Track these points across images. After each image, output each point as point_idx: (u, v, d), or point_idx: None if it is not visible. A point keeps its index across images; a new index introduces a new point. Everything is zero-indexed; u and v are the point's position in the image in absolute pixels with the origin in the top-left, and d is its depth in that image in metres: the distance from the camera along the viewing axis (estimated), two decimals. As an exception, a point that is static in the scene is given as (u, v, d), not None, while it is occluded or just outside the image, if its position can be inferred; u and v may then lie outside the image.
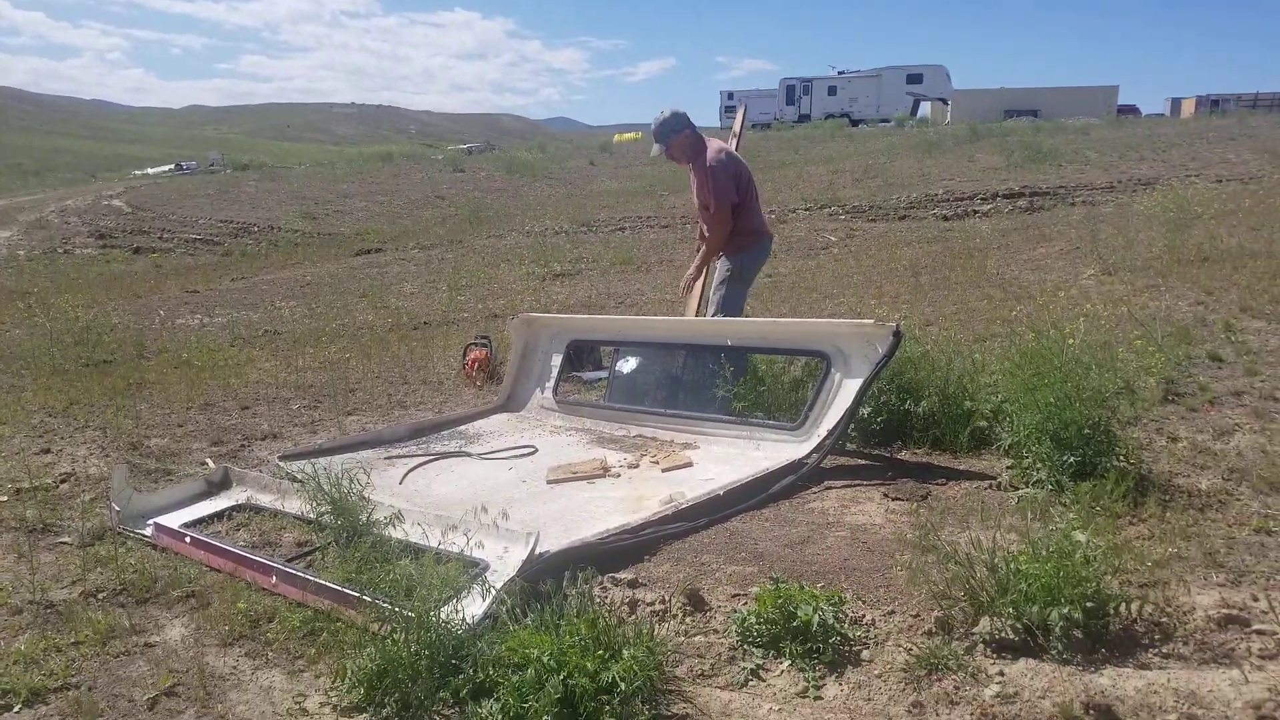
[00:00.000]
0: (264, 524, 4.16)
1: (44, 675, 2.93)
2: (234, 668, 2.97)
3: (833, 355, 4.60)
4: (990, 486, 3.97)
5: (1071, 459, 3.73)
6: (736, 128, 6.77)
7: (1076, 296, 7.10)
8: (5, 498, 4.64)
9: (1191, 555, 3.18)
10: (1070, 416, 3.77)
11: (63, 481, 4.88)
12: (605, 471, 4.59)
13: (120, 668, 3.00)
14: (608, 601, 3.15)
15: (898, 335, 4.27)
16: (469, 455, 5.05)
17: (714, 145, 5.64)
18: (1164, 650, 2.66)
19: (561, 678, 2.47)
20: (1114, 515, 3.39)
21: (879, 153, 27.25)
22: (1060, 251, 10.21)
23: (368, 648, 2.76)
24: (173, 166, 48.59)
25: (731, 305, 5.56)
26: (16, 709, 2.78)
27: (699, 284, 5.82)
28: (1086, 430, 3.77)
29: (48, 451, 5.43)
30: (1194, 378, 5.23)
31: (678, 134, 5.60)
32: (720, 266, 5.68)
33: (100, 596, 3.50)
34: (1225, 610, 2.79)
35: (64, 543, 4.07)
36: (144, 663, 3.02)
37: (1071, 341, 4.07)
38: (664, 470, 4.57)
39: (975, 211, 14.80)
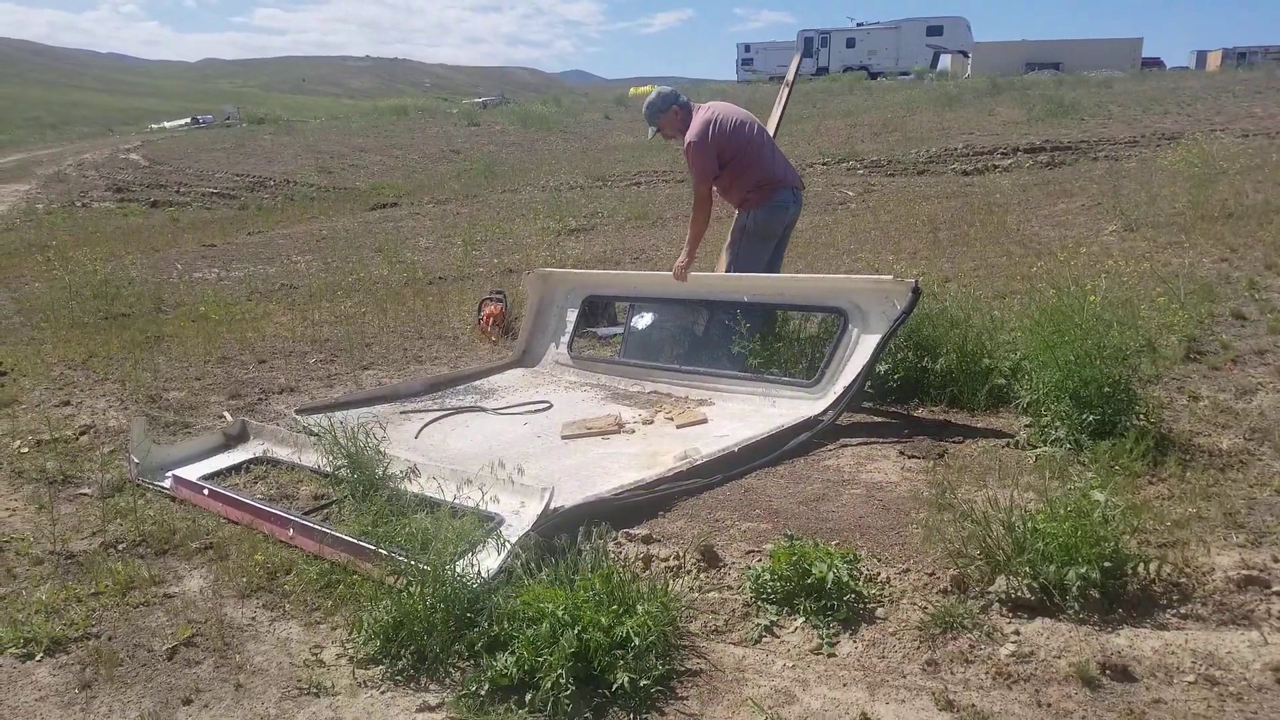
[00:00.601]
0: (281, 477, 4.19)
1: (65, 625, 2.98)
2: (252, 619, 3.00)
3: (850, 311, 4.56)
4: (1008, 445, 3.94)
5: (1091, 417, 3.69)
6: (790, 77, 6.69)
7: (1098, 253, 6.97)
8: (26, 449, 4.69)
9: (1211, 515, 3.14)
10: (1090, 374, 3.72)
11: (82, 434, 4.92)
12: (620, 428, 4.59)
13: (140, 618, 3.04)
14: (622, 557, 3.16)
15: (916, 291, 4.22)
16: (484, 410, 5.05)
17: (699, 117, 5.39)
18: (1182, 611, 2.65)
19: (576, 632, 2.48)
20: (1133, 474, 3.35)
21: (898, 106, 26.80)
22: (1081, 207, 10.02)
23: (384, 600, 2.78)
24: (189, 120, 48.38)
25: (746, 264, 5.37)
26: (38, 657, 2.83)
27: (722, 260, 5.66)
28: (1106, 388, 3.72)
29: (67, 404, 5.47)
30: (1216, 336, 5.14)
31: (664, 112, 5.50)
32: (734, 224, 5.55)
33: (120, 547, 3.55)
34: (1245, 571, 2.77)
35: (84, 494, 4.12)
36: (163, 613, 3.06)
37: (1093, 298, 4.00)
38: (679, 427, 4.57)
39: (995, 166, 14.54)
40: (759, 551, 3.13)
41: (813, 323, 5.43)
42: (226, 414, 5.19)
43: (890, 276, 4.38)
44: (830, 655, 2.60)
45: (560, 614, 2.54)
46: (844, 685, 2.46)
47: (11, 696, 2.65)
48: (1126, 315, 4.07)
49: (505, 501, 3.37)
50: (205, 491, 3.93)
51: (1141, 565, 2.73)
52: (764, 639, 2.71)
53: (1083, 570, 2.62)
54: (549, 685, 2.40)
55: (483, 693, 2.46)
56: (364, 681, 2.63)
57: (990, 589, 2.75)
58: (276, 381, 5.85)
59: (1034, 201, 10.74)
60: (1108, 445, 3.43)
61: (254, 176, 22.66)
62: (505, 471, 3.43)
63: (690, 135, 5.35)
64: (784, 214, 5.45)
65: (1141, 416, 3.78)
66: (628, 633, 2.50)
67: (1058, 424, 3.80)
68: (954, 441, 4.06)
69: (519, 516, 3.28)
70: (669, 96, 5.55)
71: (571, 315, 5.97)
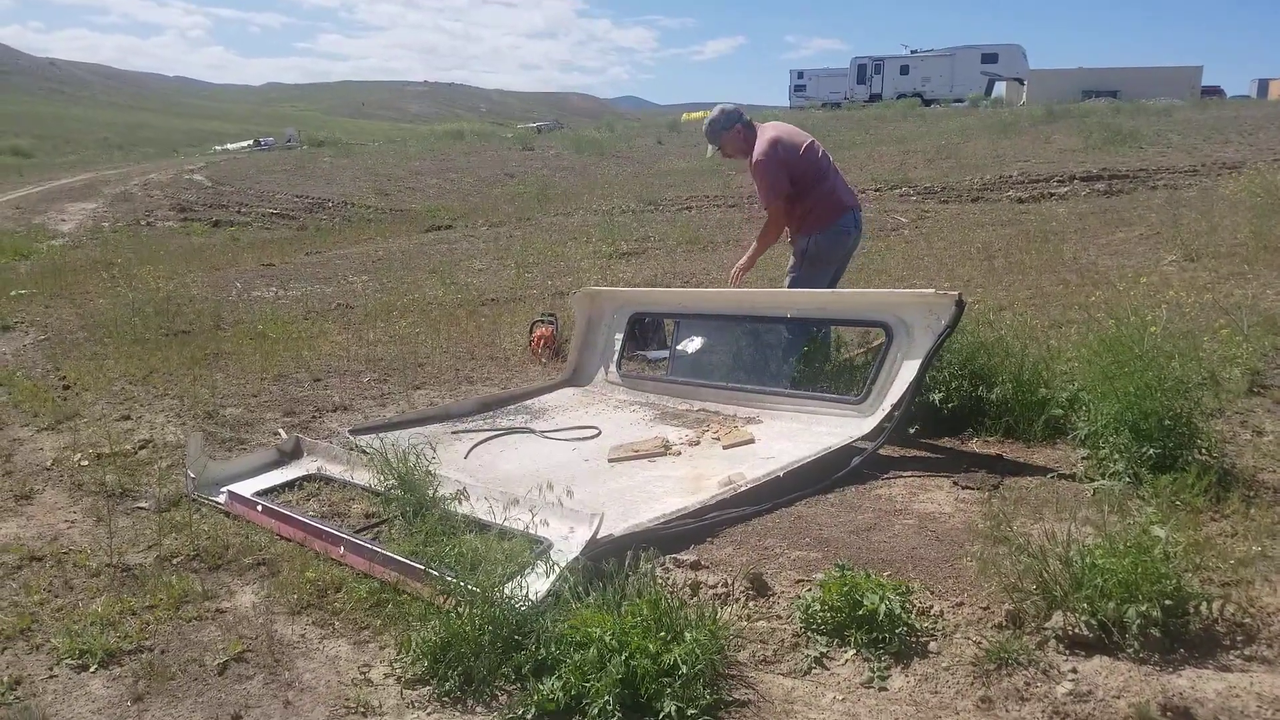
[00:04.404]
0: (333, 495, 4.25)
1: (119, 637, 3.04)
2: (302, 636, 3.04)
3: (894, 325, 4.50)
4: (1065, 477, 3.85)
5: (1151, 450, 3.58)
6: None
7: (1157, 283, 6.81)
8: (87, 462, 4.83)
9: (1277, 555, 3.02)
10: (1151, 406, 3.62)
11: (141, 448, 5.05)
12: (666, 450, 4.58)
13: (192, 632, 3.10)
14: (669, 583, 3.14)
15: (960, 304, 4.15)
16: (533, 432, 5.08)
17: (766, 135, 5.42)
18: (1246, 652, 2.55)
19: (624, 658, 2.47)
20: (1195, 510, 3.25)
21: (952, 133, 26.54)
22: (1140, 236, 9.81)
23: (432, 620, 2.80)
24: (251, 142, 49.81)
25: (803, 287, 5.38)
26: (93, 669, 2.89)
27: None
28: (1167, 421, 3.62)
29: (128, 418, 5.63)
30: (1283, 369, 4.99)
31: (728, 130, 5.52)
32: (795, 248, 5.55)
33: (174, 561, 3.62)
34: (1315, 614, 2.66)
35: (141, 508, 4.22)
36: (215, 628, 3.11)
37: (1153, 329, 3.91)
38: (725, 448, 4.54)
39: (1051, 194, 14.30)
40: (809, 581, 3.09)
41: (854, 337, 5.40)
42: (281, 431, 5.29)
43: (933, 290, 4.32)
44: (882, 689, 2.55)
45: (608, 639, 2.53)
46: (895, 720, 2.41)
47: (66, 708, 2.71)
48: (1188, 347, 3.96)
49: (554, 525, 3.38)
50: (259, 508, 4.00)
51: (1204, 604, 2.64)
52: (814, 670, 2.66)
53: (1143, 608, 2.53)
54: (595, 712, 2.39)
55: (529, 717, 2.46)
56: (411, 702, 2.64)
57: (1047, 625, 2.67)
58: (331, 400, 5.96)
59: (1091, 230, 10.54)
60: (1169, 480, 3.34)
61: (313, 198, 23.20)
62: (554, 494, 3.44)
63: (758, 154, 5.37)
64: (846, 239, 5.46)
65: (1204, 451, 3.67)
66: (675, 660, 2.48)
67: (1116, 457, 3.70)
68: (1009, 473, 3.97)
69: (568, 541, 3.28)
70: (732, 115, 5.55)
71: (619, 333, 6.00)
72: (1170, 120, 25.83)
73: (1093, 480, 3.72)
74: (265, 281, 11.47)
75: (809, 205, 5.38)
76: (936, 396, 4.54)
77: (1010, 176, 16.16)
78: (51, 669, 2.90)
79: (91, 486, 4.48)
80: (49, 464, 4.87)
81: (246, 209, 21.46)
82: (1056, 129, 24.87)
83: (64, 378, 6.66)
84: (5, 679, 2.84)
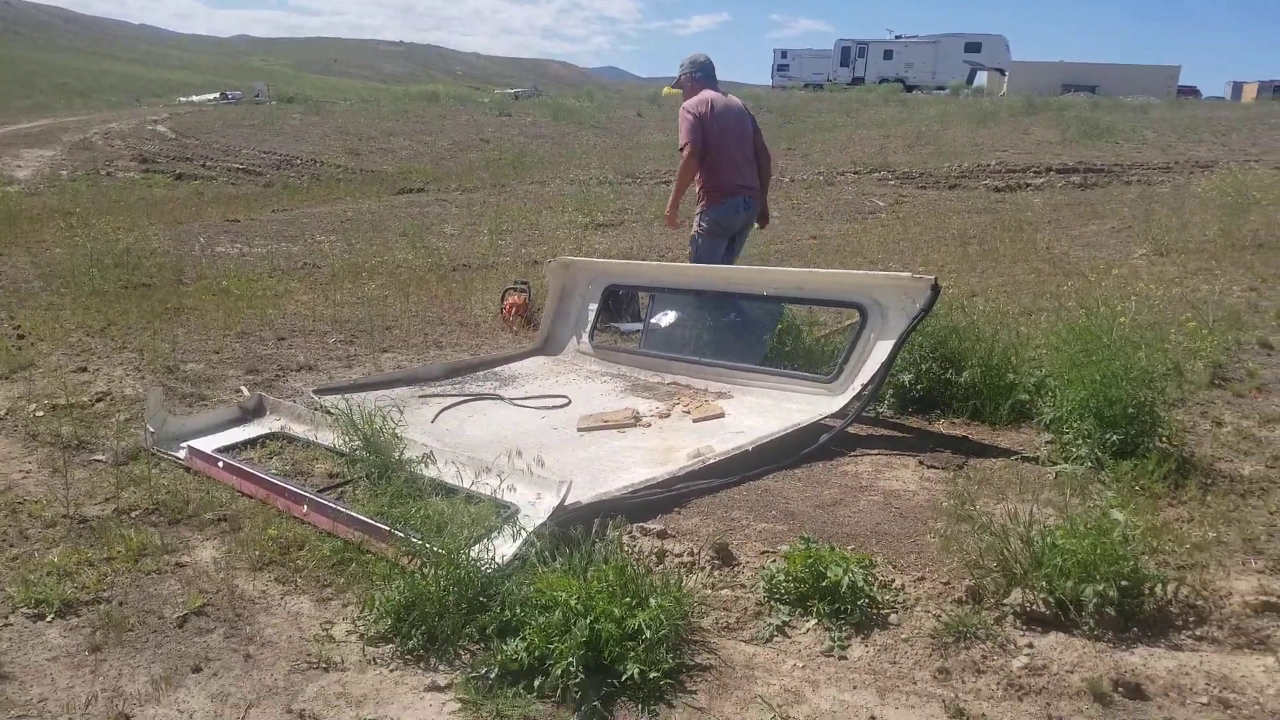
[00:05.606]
0: (296, 454, 4.20)
1: (76, 588, 2.99)
2: (263, 592, 3.01)
3: (869, 307, 4.52)
4: (1029, 460, 3.91)
5: (1114, 437, 3.65)
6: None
7: (1127, 275, 6.93)
8: (42, 413, 4.71)
9: (1231, 540, 3.11)
10: (1116, 394, 3.68)
11: (98, 400, 4.94)
12: (636, 421, 4.58)
13: (151, 585, 3.05)
14: (636, 550, 3.15)
15: (935, 289, 4.18)
16: (501, 399, 5.05)
17: (703, 94, 5.79)
18: (1198, 633, 2.63)
19: (588, 621, 2.48)
20: (1154, 496, 3.32)
21: (932, 120, 26.68)
22: (1112, 230, 9.96)
23: (396, 580, 2.78)
24: (218, 95, 48.56)
25: (704, 258, 5.84)
26: (49, 618, 2.84)
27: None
28: (1131, 409, 3.69)
29: (84, 370, 5.50)
30: (1243, 363, 5.11)
31: (689, 74, 5.94)
32: (694, 219, 5.92)
33: (133, 515, 3.56)
34: (1263, 597, 2.73)
35: (98, 460, 4.13)
36: (175, 581, 3.07)
37: (1123, 320, 3.97)
38: (695, 420, 4.55)
39: (1027, 184, 14.45)
40: (773, 552, 3.11)
41: (827, 316, 5.45)
42: (244, 388, 5.20)
43: (909, 273, 4.35)
44: (841, 658, 2.58)
45: (573, 603, 2.54)
46: (854, 688, 2.45)
47: (22, 655, 2.66)
48: (1155, 338, 4.03)
49: (522, 491, 3.37)
50: (220, 464, 3.94)
51: (1159, 586, 2.70)
52: (775, 638, 2.69)
53: (1100, 588, 2.59)
54: (559, 672, 2.40)
55: (492, 676, 2.46)
56: (374, 659, 2.63)
57: (1005, 601, 2.72)
58: (295, 359, 5.87)
59: (1065, 221, 10.68)
60: (1130, 466, 3.40)
61: (281, 155, 22.77)
62: (523, 461, 3.42)
63: (686, 104, 5.79)
64: (736, 216, 5.87)
65: (1165, 439, 3.76)
66: (640, 625, 2.49)
67: (1080, 442, 3.76)
68: (974, 454, 4.03)
69: (535, 507, 3.27)
70: (700, 65, 6.02)
71: (593, 304, 5.97)
72: (1146, 117, 26.21)
73: (1056, 464, 3.78)
74: (230, 238, 11.26)
75: (708, 179, 5.78)
76: (906, 378, 4.58)
77: (988, 165, 16.31)
78: (7, 617, 2.85)
79: (47, 437, 4.38)
80: (2, 414, 4.75)
81: (211, 163, 20.98)
82: (1035, 121, 25.10)
83: (18, 327, 6.49)
84: (-43, 626, 2.78)
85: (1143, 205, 11.02)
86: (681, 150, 5.79)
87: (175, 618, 2.85)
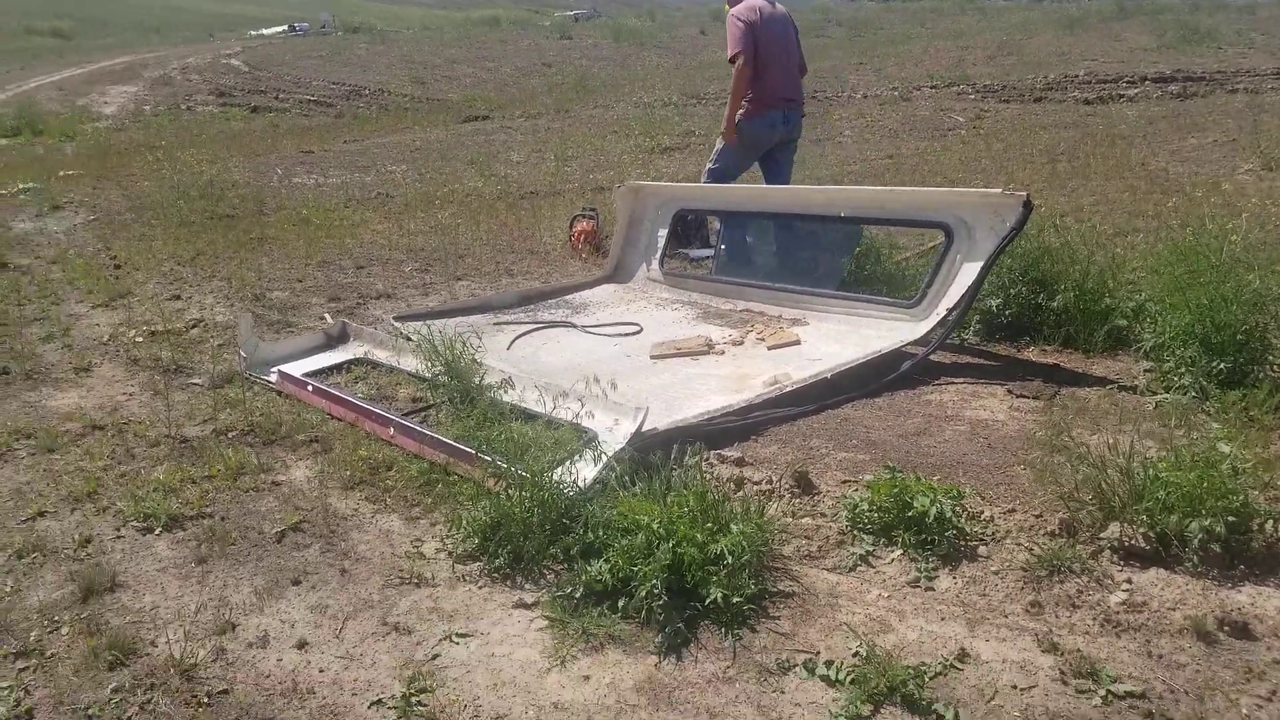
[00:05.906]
0: (380, 379, 4.28)
1: (181, 504, 3.14)
2: (355, 510, 3.10)
3: (955, 227, 4.31)
4: (1126, 389, 3.75)
5: (1222, 365, 3.47)
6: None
7: (1233, 192, 6.52)
8: (141, 339, 4.90)
9: (1347, 475, 2.94)
10: (1225, 319, 3.49)
11: (192, 327, 5.11)
12: (709, 348, 4.53)
13: (250, 502, 3.17)
14: (715, 477, 3.14)
15: (1028, 206, 3.96)
16: (574, 326, 5.05)
17: (752, 1, 5.69)
18: (1311, 573, 2.50)
19: (670, 545, 2.49)
20: (1265, 428, 3.16)
21: (1014, 28, 25.34)
22: (1214, 143, 9.35)
23: (482, 501, 2.83)
24: (286, 28, 48.83)
25: (721, 163, 5.94)
26: (157, 531, 2.99)
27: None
28: (1241, 335, 3.49)
29: (178, 298, 5.68)
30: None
31: None
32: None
33: (230, 435, 3.69)
34: (1382, 535, 2.59)
35: (195, 384, 4.29)
36: (272, 499, 3.18)
37: (1234, 239, 3.73)
38: (770, 348, 4.48)
39: (1120, 96, 13.63)
40: (855, 482, 3.07)
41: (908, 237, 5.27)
42: (327, 315, 5.31)
43: (999, 189, 4.13)
44: (929, 589, 2.54)
45: (655, 527, 2.54)
46: (942, 619, 2.41)
47: (135, 565, 2.81)
48: (1267, 259, 3.78)
49: (599, 417, 3.37)
50: (309, 388, 4.04)
51: (1270, 523, 2.58)
52: (859, 568, 2.66)
53: (1206, 523, 2.47)
54: (643, 594, 2.42)
55: (577, 595, 2.50)
56: (462, 576, 2.70)
57: (1102, 535, 2.63)
58: (374, 287, 5.96)
59: (1161, 135, 10.07)
60: (1238, 395, 3.24)
61: (349, 85, 22.84)
62: (598, 388, 3.42)
63: (736, 11, 5.71)
64: (772, 132, 5.80)
65: (1277, 368, 3.55)
66: (722, 550, 2.49)
67: (1183, 370, 3.59)
68: (1067, 383, 3.87)
69: (612, 433, 3.27)
70: None
71: (662, 230, 5.88)
72: (1254, 18, 24.39)
73: (1156, 393, 3.61)
74: (305, 169, 11.39)
75: (751, 87, 5.67)
76: (994, 303, 4.41)
77: (1076, 76, 15.44)
78: (119, 530, 3.01)
79: (147, 362, 4.56)
80: (105, 339, 4.96)
81: (284, 95, 21.18)
82: (1128, 26, 23.63)
83: (114, 257, 6.72)
84: (76, 537, 2.95)
85: (1250, 116, 10.33)
86: (732, 61, 5.70)
87: (274, 533, 2.96)
